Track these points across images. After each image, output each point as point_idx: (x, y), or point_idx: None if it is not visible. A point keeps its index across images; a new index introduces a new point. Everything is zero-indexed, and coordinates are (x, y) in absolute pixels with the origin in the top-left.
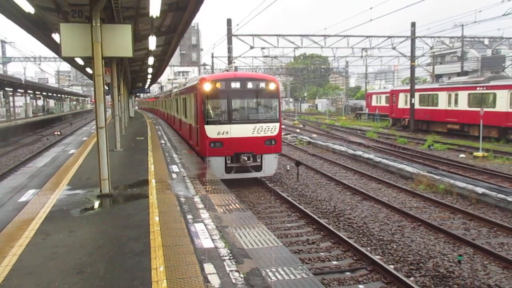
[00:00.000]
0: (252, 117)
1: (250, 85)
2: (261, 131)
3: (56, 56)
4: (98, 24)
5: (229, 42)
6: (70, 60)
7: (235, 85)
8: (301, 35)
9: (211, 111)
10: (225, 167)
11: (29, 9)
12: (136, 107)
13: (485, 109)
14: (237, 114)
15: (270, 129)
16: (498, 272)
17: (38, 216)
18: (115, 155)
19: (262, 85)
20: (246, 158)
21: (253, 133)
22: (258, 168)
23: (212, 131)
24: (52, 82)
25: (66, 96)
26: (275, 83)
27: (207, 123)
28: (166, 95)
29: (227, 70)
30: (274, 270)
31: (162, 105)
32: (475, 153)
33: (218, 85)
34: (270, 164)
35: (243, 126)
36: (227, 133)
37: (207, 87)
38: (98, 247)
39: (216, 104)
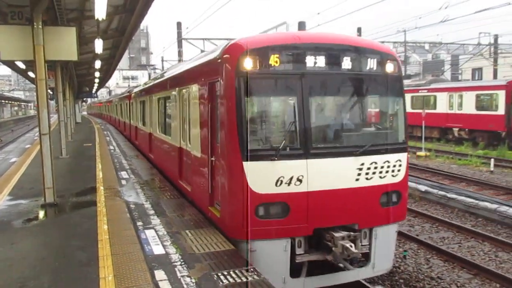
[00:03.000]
0: (353, 140)
1: (346, 61)
2: (374, 173)
3: None
4: (40, 26)
5: (179, 45)
6: (10, 64)
7: (316, 60)
8: None
9: (257, 127)
10: (291, 263)
11: None
12: (85, 113)
13: (426, 111)
14: (322, 133)
15: (390, 169)
16: (440, 265)
17: None
18: (61, 163)
19: (373, 63)
20: (348, 244)
21: (358, 180)
22: (362, 260)
23: (262, 177)
24: None
25: (6, 101)
26: (395, 61)
27: (249, 158)
28: (124, 96)
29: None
30: (225, 273)
31: (117, 111)
32: (418, 153)
33: (275, 60)
34: (385, 247)
35: (336, 162)
36: (299, 181)
37: (248, 64)
38: (42, 259)
39: (271, 109)
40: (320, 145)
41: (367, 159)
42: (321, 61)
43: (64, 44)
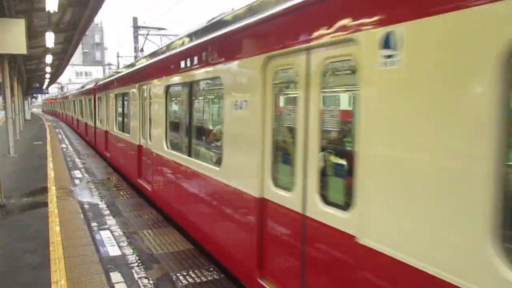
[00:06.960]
0: None
1: None
2: None
3: None
4: None
5: (136, 41)
6: None
7: None
8: None
9: None
10: None
11: None
12: (35, 110)
13: None
14: None
15: None
16: None
17: None
18: (9, 162)
19: None
20: None
21: None
22: None
23: None
24: None
25: None
26: None
27: None
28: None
29: None
30: (185, 273)
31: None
32: None
33: None
34: None
35: None
36: None
37: None
38: None
39: None
40: None
41: None
42: None
43: (11, 36)
